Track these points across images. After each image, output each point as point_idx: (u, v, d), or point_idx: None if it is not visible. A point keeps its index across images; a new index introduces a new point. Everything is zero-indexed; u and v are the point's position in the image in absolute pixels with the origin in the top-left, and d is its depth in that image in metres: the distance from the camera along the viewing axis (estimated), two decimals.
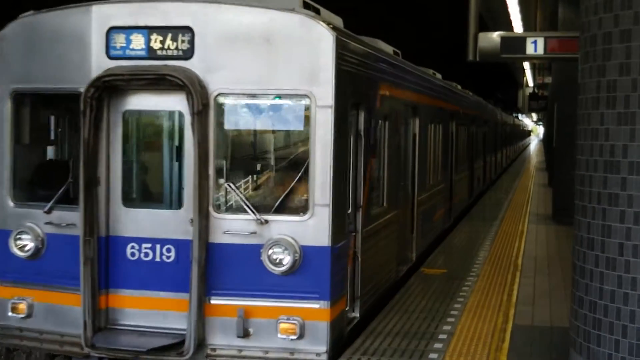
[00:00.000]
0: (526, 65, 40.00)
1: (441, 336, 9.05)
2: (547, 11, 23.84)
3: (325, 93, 7.72)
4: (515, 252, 15.23)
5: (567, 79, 19.50)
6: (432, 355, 8.33)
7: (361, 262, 9.10)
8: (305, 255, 7.77)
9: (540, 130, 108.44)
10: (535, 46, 13.19)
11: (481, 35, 13.59)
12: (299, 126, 8.09)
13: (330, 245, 7.79)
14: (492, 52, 13.56)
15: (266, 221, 7.79)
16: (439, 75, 17.35)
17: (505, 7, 22.73)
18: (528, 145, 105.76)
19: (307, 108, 7.79)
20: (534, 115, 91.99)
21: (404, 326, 9.46)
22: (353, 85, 8.54)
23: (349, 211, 8.69)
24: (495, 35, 13.57)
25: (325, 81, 7.73)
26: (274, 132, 8.44)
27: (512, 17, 23.86)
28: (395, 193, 11.32)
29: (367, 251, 9.39)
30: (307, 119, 7.85)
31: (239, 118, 8.23)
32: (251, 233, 7.82)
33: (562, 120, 20.85)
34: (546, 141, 49.94)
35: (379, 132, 10.23)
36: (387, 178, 10.69)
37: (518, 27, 24.81)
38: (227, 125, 8.13)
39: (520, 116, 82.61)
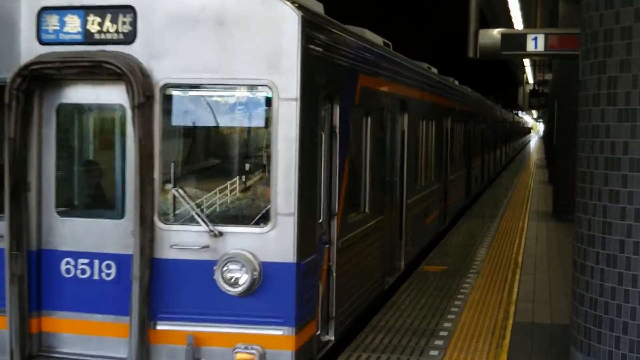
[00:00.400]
0: (526, 62, 40.00)
1: (442, 333, 9.06)
2: (547, 8, 23.82)
3: (288, 83, 6.64)
4: (515, 250, 15.23)
5: (568, 76, 19.50)
6: (433, 352, 8.33)
7: (337, 277, 8.01)
8: (266, 274, 6.68)
9: (541, 127, 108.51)
10: (536, 43, 13.20)
11: (481, 32, 13.61)
12: (258, 122, 6.96)
13: (295, 261, 6.71)
14: (492, 49, 13.58)
15: (220, 233, 6.72)
16: (434, 70, 16.36)
17: (505, 3, 22.74)
18: (528, 142, 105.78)
19: (269, 101, 6.73)
20: (534, 112, 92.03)
21: (404, 323, 9.46)
22: (326, 74, 7.49)
23: (321, 220, 7.57)
24: (496, 32, 13.59)
25: (288, 69, 6.64)
26: (230, 128, 7.28)
27: (512, 14, 23.87)
28: (380, 196, 10.20)
29: (345, 265, 8.32)
30: (268, 114, 6.78)
31: (189, 112, 7.05)
32: (203, 247, 6.75)
33: (562, 117, 20.85)
34: (546, 138, 49.96)
35: (359, 129, 9.21)
36: (370, 180, 9.54)
37: (518, 23, 24.81)
38: (175, 121, 7.02)
39: (520, 113, 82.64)
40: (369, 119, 9.47)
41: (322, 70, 7.38)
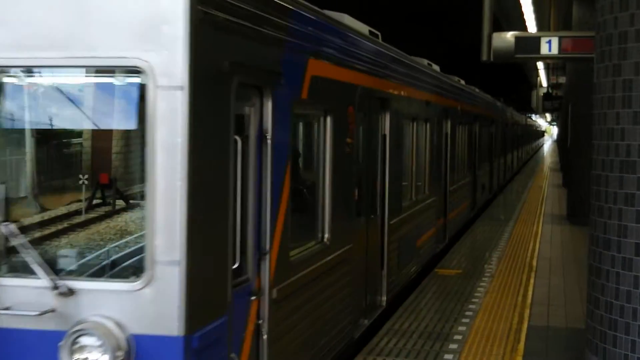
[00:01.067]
0: (540, 65, 39.88)
1: (456, 337, 9.04)
2: (561, 11, 23.78)
3: (170, 63, 4.54)
4: (529, 253, 15.19)
5: (582, 79, 19.45)
6: (447, 356, 8.31)
7: (269, 341, 5.86)
8: (139, 353, 4.58)
9: (554, 130, 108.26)
10: (550, 46, 13.14)
11: (495, 35, 13.56)
12: (126, 122, 4.94)
13: (182, 333, 4.56)
14: (506, 52, 13.51)
15: (71, 291, 4.61)
16: (436, 67, 14.58)
17: (518, 7, 22.70)
18: (542, 145, 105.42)
19: (143, 90, 4.63)
20: (548, 116, 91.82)
21: (419, 326, 9.45)
22: (242, 55, 5.35)
23: (237, 264, 5.38)
24: (510, 35, 13.53)
25: (170, 42, 4.54)
26: (86, 132, 5.15)
27: (525, 17, 23.82)
28: (348, 220, 8.12)
29: (284, 320, 6.22)
30: (141, 109, 4.68)
31: (27, 109, 4.98)
32: (45, 312, 4.61)
33: (576, 120, 20.79)
34: (560, 141, 49.84)
35: (310, 132, 7.46)
36: (332, 200, 7.48)
37: (532, 27, 24.77)
38: (5, 122, 4.99)
39: (533, 116, 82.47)
40: (328, 120, 7.44)
41: (234, 47, 5.22)
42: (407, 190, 11.61)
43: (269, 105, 5.83)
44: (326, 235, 7.45)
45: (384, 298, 9.90)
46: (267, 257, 5.85)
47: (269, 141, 5.83)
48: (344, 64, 7.92)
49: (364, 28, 9.21)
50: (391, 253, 10.13)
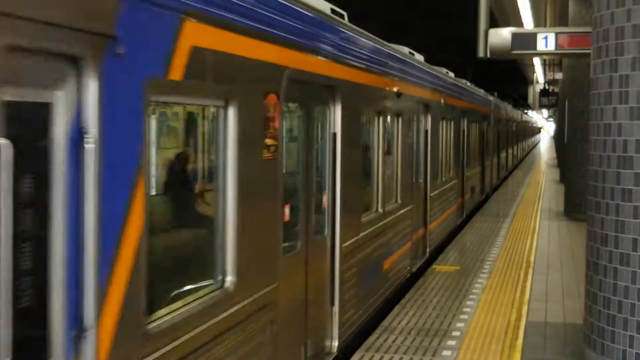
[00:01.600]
0: (536, 61, 39.93)
1: (454, 333, 9.04)
2: (557, 7, 23.79)
3: None
4: (527, 249, 15.20)
5: (578, 75, 19.47)
6: (446, 353, 8.31)
7: None
8: None
9: (551, 126, 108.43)
10: (546, 42, 13.18)
11: (491, 31, 13.58)
12: None
13: None
14: (502, 48, 13.55)
15: None
16: (420, 57, 13.25)
17: (514, 2, 22.72)
18: (538, 142, 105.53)
19: None
20: (545, 112, 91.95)
21: (417, 323, 9.45)
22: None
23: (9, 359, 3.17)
24: (506, 32, 13.56)
25: None
26: None
27: (521, 13, 23.85)
28: (268, 251, 5.98)
29: None
30: None
31: None
32: None
33: (573, 115, 20.82)
34: (557, 137, 49.91)
35: (198, 131, 5.43)
36: (238, 226, 5.34)
37: (528, 23, 24.78)
38: None
39: (530, 112, 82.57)
40: (230, 113, 5.29)
41: None
42: (371, 201, 9.66)
43: (91, 88, 3.67)
44: (229, 278, 5.31)
45: (335, 343, 7.83)
46: (92, 333, 3.66)
47: (89, 145, 3.64)
48: (262, 37, 5.67)
49: (323, 5, 7.66)
50: (345, 283, 8.12)
